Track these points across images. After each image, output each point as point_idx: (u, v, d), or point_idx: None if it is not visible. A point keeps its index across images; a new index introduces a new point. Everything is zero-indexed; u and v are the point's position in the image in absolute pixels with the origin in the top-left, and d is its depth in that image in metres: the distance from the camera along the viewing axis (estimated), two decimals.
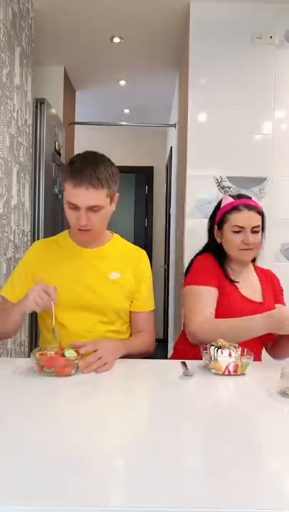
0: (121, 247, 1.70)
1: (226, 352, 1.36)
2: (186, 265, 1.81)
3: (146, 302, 1.68)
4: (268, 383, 1.29)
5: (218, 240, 1.74)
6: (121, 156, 6.05)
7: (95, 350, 1.41)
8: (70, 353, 1.34)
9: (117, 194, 1.58)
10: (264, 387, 1.27)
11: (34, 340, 2.99)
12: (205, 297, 1.63)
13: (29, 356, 1.36)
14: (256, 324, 1.48)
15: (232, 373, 1.36)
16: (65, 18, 3.20)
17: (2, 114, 2.36)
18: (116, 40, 3.50)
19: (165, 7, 2.99)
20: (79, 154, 1.56)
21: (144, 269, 1.68)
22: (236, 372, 1.37)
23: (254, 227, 1.68)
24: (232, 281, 1.69)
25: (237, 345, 1.41)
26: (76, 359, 1.33)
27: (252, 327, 1.49)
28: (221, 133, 2.91)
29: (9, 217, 2.51)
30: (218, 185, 2.90)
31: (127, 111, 5.44)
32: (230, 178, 2.90)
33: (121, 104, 5.20)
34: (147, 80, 4.41)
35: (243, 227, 1.67)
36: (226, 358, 1.36)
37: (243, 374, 1.38)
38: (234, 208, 1.69)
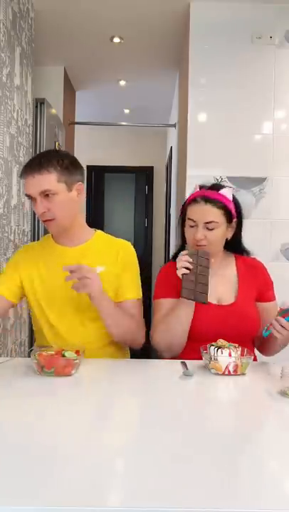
0: (104, 242, 1.67)
1: (225, 352, 1.36)
2: None
3: (129, 290, 1.62)
4: (268, 383, 1.29)
5: (186, 235, 1.65)
6: (121, 156, 6.08)
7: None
8: (70, 353, 1.34)
9: (79, 183, 1.58)
10: (264, 387, 1.27)
11: (34, 340, 2.98)
12: (160, 310, 1.62)
13: (29, 356, 1.36)
14: (177, 304, 1.55)
15: (232, 373, 1.36)
16: (65, 18, 3.20)
17: (2, 114, 2.36)
18: (116, 40, 3.50)
19: (165, 7, 2.99)
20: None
21: (127, 258, 1.64)
22: (236, 372, 1.37)
23: (207, 223, 1.54)
24: None
25: (237, 346, 1.41)
26: (76, 359, 1.33)
27: (177, 305, 1.55)
28: (221, 133, 2.91)
29: (9, 217, 2.51)
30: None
31: (127, 111, 5.44)
32: (230, 178, 2.90)
33: (121, 104, 5.20)
34: (147, 80, 4.41)
35: (195, 222, 1.56)
36: (225, 358, 1.36)
37: (243, 374, 1.37)
38: (193, 200, 1.59)
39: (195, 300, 1.51)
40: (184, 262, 1.50)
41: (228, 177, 2.90)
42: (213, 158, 2.92)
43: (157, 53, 3.76)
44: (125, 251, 1.65)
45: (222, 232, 1.59)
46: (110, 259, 1.61)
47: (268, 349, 1.65)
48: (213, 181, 2.88)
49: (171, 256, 1.79)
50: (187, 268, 1.50)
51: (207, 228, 1.55)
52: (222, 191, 1.61)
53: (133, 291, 1.62)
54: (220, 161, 2.92)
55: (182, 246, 1.70)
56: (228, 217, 1.59)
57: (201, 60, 2.92)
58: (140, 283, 1.66)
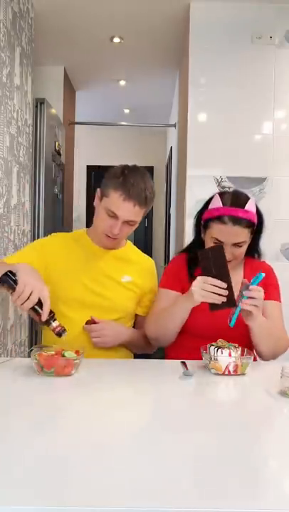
0: (134, 253, 1.76)
1: (225, 352, 1.36)
2: None
3: (150, 304, 1.72)
4: (268, 383, 1.29)
5: (203, 237, 1.63)
6: (121, 156, 6.06)
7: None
8: (69, 354, 1.34)
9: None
10: (264, 387, 1.27)
11: (34, 341, 2.99)
12: (161, 298, 1.65)
13: (29, 356, 1.36)
14: (177, 301, 1.55)
15: (232, 373, 1.36)
16: (65, 18, 3.20)
17: (2, 114, 2.36)
18: (116, 40, 3.50)
19: (165, 7, 2.99)
20: (130, 167, 1.59)
21: (153, 279, 1.76)
22: (236, 372, 1.37)
23: (236, 243, 1.53)
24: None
25: (237, 346, 1.41)
26: (76, 359, 1.33)
27: (174, 305, 1.55)
28: (221, 133, 2.91)
29: (9, 217, 2.51)
30: (218, 185, 2.90)
31: (127, 111, 5.45)
32: (230, 178, 2.90)
33: (121, 104, 5.21)
34: (147, 80, 4.41)
35: (221, 242, 1.51)
36: (226, 358, 1.36)
37: (243, 374, 1.37)
38: (218, 218, 1.52)
39: (224, 308, 1.43)
40: (207, 286, 1.40)
41: (228, 177, 2.90)
42: (213, 158, 2.92)
43: (157, 53, 3.76)
44: (153, 272, 1.77)
45: (247, 245, 1.58)
46: (137, 272, 1.70)
47: (256, 345, 1.57)
48: (213, 181, 2.91)
49: (184, 247, 1.78)
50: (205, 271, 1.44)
51: (235, 247, 1.54)
52: (248, 206, 1.53)
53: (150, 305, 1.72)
54: (220, 161, 2.92)
55: (195, 244, 1.70)
56: (253, 230, 1.58)
57: (201, 60, 2.92)
58: None
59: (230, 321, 1.43)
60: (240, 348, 1.40)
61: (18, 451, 0.88)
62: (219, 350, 1.37)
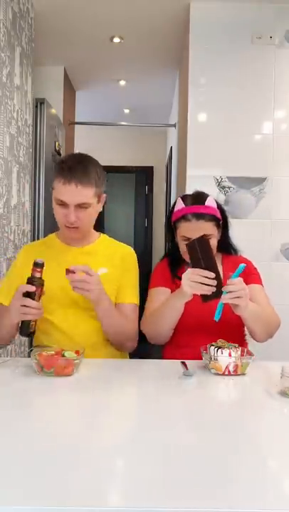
0: (108, 245, 1.72)
1: (225, 352, 1.36)
2: None
3: (128, 294, 1.66)
4: (268, 383, 1.29)
5: (176, 240, 1.70)
6: (121, 156, 6.08)
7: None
8: (69, 354, 1.34)
9: (104, 195, 1.64)
10: (264, 387, 1.27)
11: (34, 341, 2.98)
12: (152, 298, 1.69)
13: (29, 356, 1.36)
14: (169, 299, 1.57)
15: (232, 373, 1.36)
16: (65, 18, 3.20)
17: (2, 114, 2.36)
18: (116, 40, 3.50)
19: (165, 7, 2.99)
20: (68, 154, 1.62)
21: (129, 263, 1.69)
22: (236, 372, 1.37)
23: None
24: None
25: (237, 346, 1.41)
26: (76, 359, 1.33)
27: (167, 303, 1.57)
28: (221, 133, 2.91)
29: (9, 217, 2.51)
30: (218, 185, 2.90)
31: (127, 111, 5.44)
32: (230, 178, 2.90)
33: (121, 104, 5.20)
34: (147, 80, 4.41)
35: (189, 238, 1.58)
36: (226, 358, 1.36)
37: (243, 374, 1.38)
38: (182, 217, 1.63)
39: (216, 297, 1.44)
40: (196, 277, 1.43)
41: (228, 177, 2.90)
42: (213, 158, 2.92)
43: (157, 53, 3.76)
44: (127, 256, 1.70)
45: (216, 239, 1.67)
46: (113, 262, 1.65)
47: (250, 331, 1.61)
48: (213, 181, 2.91)
49: (164, 254, 1.85)
50: (194, 263, 1.48)
51: None
52: (208, 202, 1.65)
53: (132, 296, 1.66)
54: (220, 161, 2.92)
55: (173, 248, 1.75)
56: (218, 224, 1.67)
57: (201, 60, 2.92)
58: (138, 290, 1.70)
59: (215, 316, 1.44)
60: (240, 348, 1.40)
61: (18, 451, 0.88)
62: (219, 350, 1.37)
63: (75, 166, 1.52)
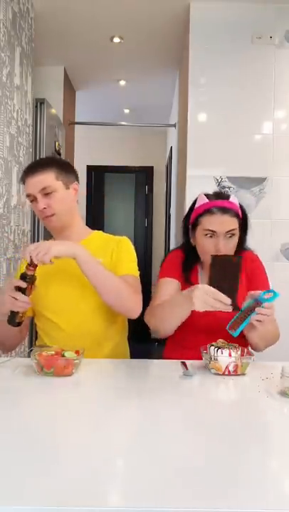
0: (101, 239, 1.71)
1: (226, 352, 1.36)
2: None
3: (124, 267, 1.62)
4: (268, 383, 1.29)
5: (192, 242, 1.68)
6: (121, 156, 6.08)
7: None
8: (69, 354, 1.34)
9: (75, 183, 1.65)
10: (264, 387, 1.27)
11: (34, 341, 2.99)
12: (161, 288, 1.67)
13: (29, 356, 1.37)
14: (176, 301, 1.52)
15: (232, 373, 1.36)
16: (65, 18, 3.20)
17: (2, 114, 2.36)
18: (116, 40, 3.50)
19: (165, 7, 2.99)
20: None
21: (122, 247, 1.66)
22: (236, 372, 1.37)
23: (228, 231, 1.58)
24: (190, 283, 1.62)
25: (237, 346, 1.41)
26: (76, 359, 1.33)
27: (174, 304, 1.53)
28: (221, 133, 2.91)
29: (9, 217, 2.51)
30: (218, 185, 2.90)
31: (127, 111, 5.44)
32: (230, 178, 2.90)
33: (121, 104, 5.20)
34: (147, 80, 4.41)
35: (215, 232, 1.57)
36: (226, 358, 1.36)
37: (243, 374, 1.38)
38: (207, 211, 1.59)
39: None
40: (210, 300, 1.38)
41: (228, 177, 2.90)
42: (213, 158, 2.92)
43: (157, 53, 3.76)
44: (121, 242, 1.68)
45: (237, 238, 1.63)
46: (107, 252, 1.64)
47: (251, 344, 1.59)
48: (213, 181, 2.91)
49: (167, 252, 1.82)
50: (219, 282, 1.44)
51: (230, 236, 1.59)
52: (231, 199, 1.63)
53: (129, 268, 1.62)
54: (220, 161, 2.92)
55: (188, 243, 1.71)
56: (240, 223, 1.64)
57: (201, 60, 2.92)
58: (137, 266, 1.66)
59: (234, 330, 1.41)
60: (240, 348, 1.40)
61: (18, 450, 0.88)
62: (219, 350, 1.37)
63: (32, 163, 1.64)
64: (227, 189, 2.88)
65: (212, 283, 1.41)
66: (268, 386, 1.27)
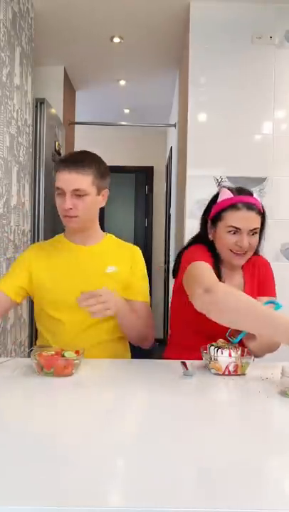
0: (115, 244, 1.74)
1: (226, 352, 1.36)
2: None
3: (142, 293, 1.69)
4: (268, 383, 1.29)
5: (210, 237, 1.61)
6: (121, 156, 6.07)
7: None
8: (69, 354, 1.34)
9: (106, 190, 1.64)
10: (264, 387, 1.27)
11: (34, 340, 2.99)
12: (205, 268, 1.49)
13: (29, 356, 1.36)
14: (275, 323, 1.26)
15: (232, 373, 1.36)
16: (65, 18, 3.20)
17: (2, 114, 2.36)
18: (116, 40, 3.50)
19: (165, 7, 2.99)
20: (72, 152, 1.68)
21: (139, 264, 1.71)
22: (236, 372, 1.37)
23: (252, 230, 1.54)
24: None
25: (237, 345, 1.41)
26: (76, 359, 1.33)
27: (270, 324, 1.27)
28: (221, 133, 2.91)
29: (9, 217, 2.51)
30: (218, 185, 2.90)
31: (127, 111, 5.44)
32: (230, 178, 2.90)
33: (121, 104, 5.20)
34: (147, 80, 4.41)
35: (239, 229, 1.52)
36: (226, 358, 1.36)
37: (243, 374, 1.38)
38: (232, 206, 1.53)
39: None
40: None
41: (228, 177, 2.90)
42: (213, 158, 2.92)
43: (157, 53, 3.76)
44: (137, 257, 1.71)
45: (258, 237, 1.59)
46: (121, 260, 1.67)
47: (250, 350, 1.52)
48: (213, 181, 2.91)
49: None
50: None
51: (253, 234, 1.55)
52: (256, 196, 1.59)
53: (144, 295, 1.70)
54: (220, 161, 2.92)
55: (204, 236, 1.64)
56: (261, 222, 1.59)
57: (201, 60, 2.92)
58: (148, 287, 1.73)
59: (234, 338, 1.42)
60: (240, 348, 1.40)
61: (18, 451, 0.88)
62: (219, 350, 1.37)
63: (73, 155, 1.57)
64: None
65: None
66: (268, 386, 1.27)
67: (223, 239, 1.56)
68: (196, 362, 1.45)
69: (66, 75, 4.19)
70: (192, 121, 2.95)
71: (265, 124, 2.91)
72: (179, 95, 3.85)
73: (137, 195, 6.40)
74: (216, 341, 1.45)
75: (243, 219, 1.53)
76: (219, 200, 1.59)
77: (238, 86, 2.90)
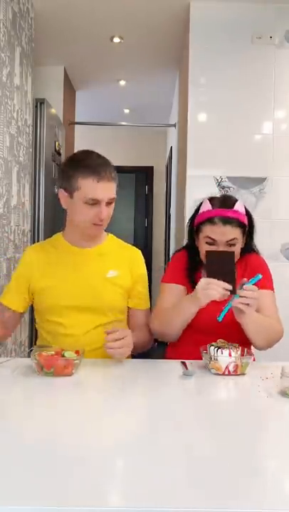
0: (117, 246, 1.73)
1: (226, 352, 1.36)
2: None
3: (144, 300, 1.71)
4: (268, 383, 1.29)
5: (197, 244, 1.67)
6: (121, 156, 6.07)
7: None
8: (69, 354, 1.34)
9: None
10: (264, 387, 1.27)
11: (34, 340, 2.99)
12: (166, 293, 1.67)
13: (29, 356, 1.36)
14: (181, 303, 1.54)
15: (232, 373, 1.36)
16: (65, 18, 3.20)
17: (2, 114, 2.36)
18: (116, 40, 3.50)
19: (165, 7, 2.99)
20: (83, 152, 1.61)
21: (139, 267, 1.71)
22: (236, 372, 1.37)
23: (228, 241, 1.57)
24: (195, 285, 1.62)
25: (237, 346, 1.41)
26: (76, 359, 1.33)
27: (179, 306, 1.55)
28: (221, 133, 2.91)
29: (9, 217, 2.51)
30: (218, 185, 2.90)
31: (127, 111, 5.45)
32: (230, 178, 2.90)
33: (121, 104, 5.20)
34: (147, 80, 4.41)
35: (215, 240, 1.57)
36: (226, 358, 1.36)
37: (243, 374, 1.38)
38: (208, 220, 1.58)
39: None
40: (217, 292, 1.43)
41: (228, 177, 2.90)
42: (213, 158, 2.92)
43: (157, 53, 3.76)
44: (139, 261, 1.72)
45: (240, 245, 1.62)
46: (122, 264, 1.66)
47: (250, 339, 1.57)
48: (213, 181, 2.91)
49: (167, 253, 1.83)
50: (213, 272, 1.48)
51: (228, 245, 1.57)
52: (236, 207, 1.60)
53: (147, 302, 1.72)
54: (220, 161, 2.92)
55: (192, 247, 1.71)
56: (244, 230, 1.62)
57: (201, 60, 2.92)
58: (148, 290, 1.74)
59: (218, 316, 1.44)
60: (240, 348, 1.40)
61: (18, 451, 0.88)
62: (219, 350, 1.37)
63: (101, 164, 1.54)
64: (227, 189, 2.88)
65: (210, 276, 1.46)
66: (268, 386, 1.27)
67: (202, 249, 1.62)
68: (196, 362, 1.45)
69: (66, 75, 4.19)
70: (192, 121, 2.95)
71: (265, 124, 2.91)
72: (179, 95, 3.85)
73: (136, 195, 6.40)
74: (215, 340, 1.45)
75: (218, 233, 1.57)
76: (200, 211, 1.64)
77: (238, 86, 2.90)
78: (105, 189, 1.52)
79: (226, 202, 1.62)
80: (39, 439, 0.94)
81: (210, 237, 1.58)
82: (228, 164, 2.91)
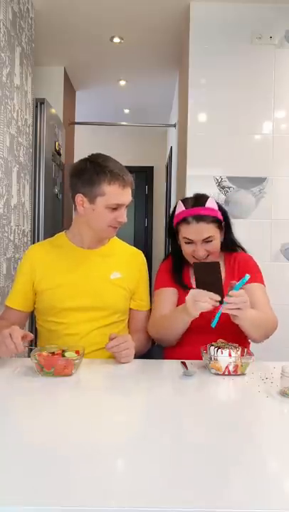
0: (120, 248, 1.75)
1: (226, 352, 1.36)
2: None
3: (145, 302, 1.74)
4: (268, 383, 1.29)
5: (179, 244, 1.72)
6: (121, 156, 6.06)
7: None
8: (69, 354, 1.34)
9: None
10: (264, 387, 1.27)
11: (34, 340, 2.98)
12: (159, 299, 1.71)
13: (29, 356, 1.36)
14: (176, 311, 1.57)
15: (232, 373, 1.36)
16: (65, 18, 3.20)
17: (2, 114, 2.36)
18: (116, 40, 3.50)
19: (165, 7, 2.99)
20: (99, 156, 1.59)
21: (142, 270, 1.75)
22: (236, 372, 1.37)
23: (205, 239, 1.62)
24: (185, 287, 1.67)
25: (237, 346, 1.41)
26: (76, 359, 1.33)
27: (175, 314, 1.57)
28: (221, 133, 2.91)
29: (9, 217, 2.51)
30: (218, 185, 2.90)
31: (127, 111, 5.45)
32: (230, 178, 2.90)
33: (121, 104, 5.20)
34: (147, 80, 4.41)
35: (191, 240, 1.63)
36: (226, 358, 1.36)
37: (243, 374, 1.38)
38: (183, 220, 1.64)
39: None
40: (206, 304, 1.44)
41: (228, 177, 2.90)
42: (213, 158, 2.92)
43: (157, 53, 3.76)
44: (141, 263, 1.75)
45: (218, 241, 1.67)
46: (126, 266, 1.69)
47: (247, 335, 1.61)
48: (213, 181, 2.91)
49: (166, 255, 1.87)
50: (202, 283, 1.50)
51: (205, 243, 1.63)
52: (208, 204, 1.66)
53: (147, 304, 1.75)
54: (220, 161, 2.92)
55: (175, 250, 1.76)
56: (220, 225, 1.67)
57: (201, 60, 2.92)
58: (149, 291, 1.77)
59: (212, 323, 1.44)
60: (240, 348, 1.40)
61: (18, 451, 0.88)
62: (219, 350, 1.37)
63: (123, 169, 1.57)
64: (227, 189, 2.88)
65: (199, 287, 1.49)
66: (268, 386, 1.27)
67: (184, 249, 1.68)
68: (196, 362, 1.45)
69: (66, 75, 4.19)
70: (192, 121, 2.95)
71: (265, 124, 2.91)
72: (179, 95, 3.85)
73: (137, 195, 6.39)
74: (214, 340, 1.45)
75: (194, 232, 1.62)
76: (176, 213, 1.69)
77: (238, 86, 2.90)
78: (128, 194, 1.58)
79: (197, 200, 1.68)
80: (39, 439, 0.94)
81: (186, 238, 1.64)
82: (228, 164, 2.91)
